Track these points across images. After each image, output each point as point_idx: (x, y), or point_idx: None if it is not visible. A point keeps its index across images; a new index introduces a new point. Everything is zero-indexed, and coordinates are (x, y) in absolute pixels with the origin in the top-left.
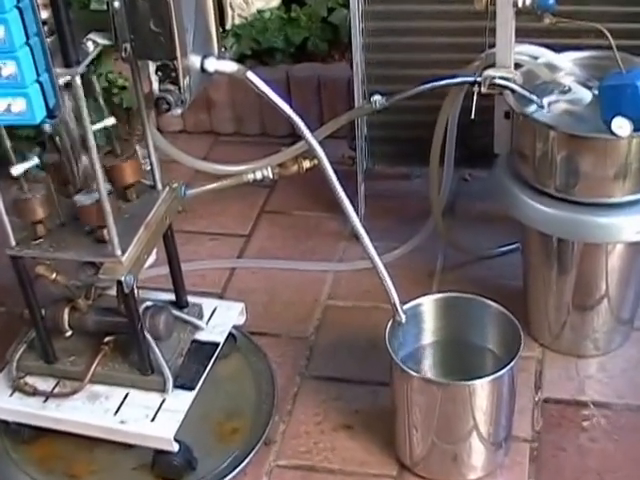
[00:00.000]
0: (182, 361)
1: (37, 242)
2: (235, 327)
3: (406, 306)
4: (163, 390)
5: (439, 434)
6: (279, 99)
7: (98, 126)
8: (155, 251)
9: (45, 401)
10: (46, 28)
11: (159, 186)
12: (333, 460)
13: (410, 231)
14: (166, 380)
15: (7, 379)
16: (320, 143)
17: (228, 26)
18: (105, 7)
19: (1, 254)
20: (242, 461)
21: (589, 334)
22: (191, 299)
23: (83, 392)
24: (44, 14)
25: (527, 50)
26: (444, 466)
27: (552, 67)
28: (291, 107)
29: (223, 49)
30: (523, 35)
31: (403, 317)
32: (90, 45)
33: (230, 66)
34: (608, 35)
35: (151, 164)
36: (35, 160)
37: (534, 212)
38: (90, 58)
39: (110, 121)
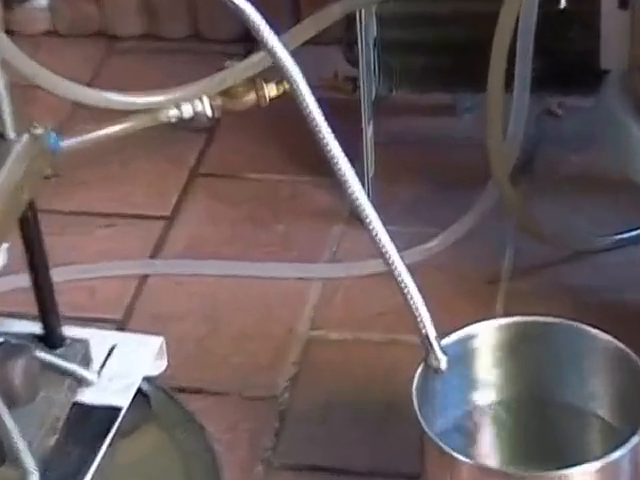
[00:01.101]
0: (56, 441)
1: None
2: (148, 380)
3: (447, 340)
4: None
5: None
6: None
7: None
8: (5, 247)
9: None
10: None
11: (10, 133)
12: None
13: (454, 207)
14: (27, 475)
15: None
16: (294, 53)
17: None
18: None
19: None
20: None
21: None
22: (70, 331)
23: None
24: None
25: None
26: None
27: None
28: None
29: None
30: None
31: (443, 360)
32: None
33: None
34: None
35: None
36: None
37: None
38: None
39: None
